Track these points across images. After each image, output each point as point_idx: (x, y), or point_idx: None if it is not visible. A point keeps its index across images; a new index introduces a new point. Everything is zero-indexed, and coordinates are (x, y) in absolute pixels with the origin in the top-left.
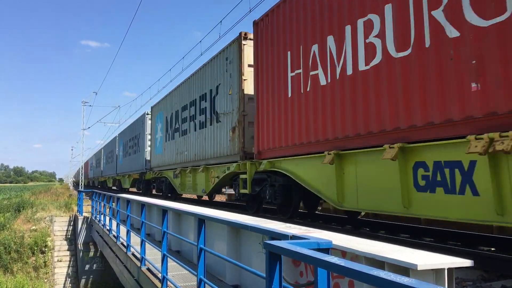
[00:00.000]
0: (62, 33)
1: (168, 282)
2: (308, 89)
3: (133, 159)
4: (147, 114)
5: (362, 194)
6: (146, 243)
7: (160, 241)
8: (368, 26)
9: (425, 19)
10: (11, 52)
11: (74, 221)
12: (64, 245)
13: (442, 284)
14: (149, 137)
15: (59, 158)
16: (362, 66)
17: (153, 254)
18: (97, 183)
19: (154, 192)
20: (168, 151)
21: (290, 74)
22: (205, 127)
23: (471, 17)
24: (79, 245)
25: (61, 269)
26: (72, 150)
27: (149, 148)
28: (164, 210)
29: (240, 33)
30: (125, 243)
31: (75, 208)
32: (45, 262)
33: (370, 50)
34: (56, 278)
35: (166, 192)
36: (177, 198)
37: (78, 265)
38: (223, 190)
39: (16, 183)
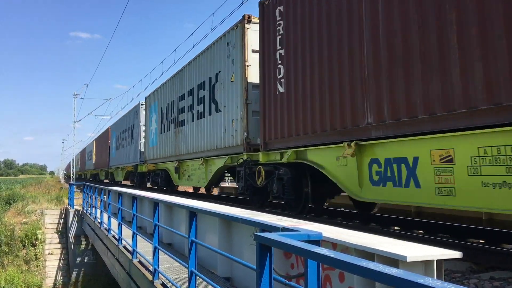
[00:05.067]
0: (52, 24)
1: (160, 275)
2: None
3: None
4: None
5: None
6: (137, 236)
7: (152, 234)
8: None
9: None
10: (1, 45)
11: (65, 214)
12: (55, 238)
13: (431, 276)
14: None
15: (50, 151)
16: None
17: (144, 247)
18: (89, 176)
19: (149, 185)
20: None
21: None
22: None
23: None
24: (70, 238)
25: (52, 262)
26: (63, 142)
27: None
28: (156, 203)
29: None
30: (116, 236)
31: (66, 201)
32: (36, 255)
33: None
34: (48, 271)
35: (162, 185)
36: (174, 191)
37: (70, 258)
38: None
39: (6, 175)
